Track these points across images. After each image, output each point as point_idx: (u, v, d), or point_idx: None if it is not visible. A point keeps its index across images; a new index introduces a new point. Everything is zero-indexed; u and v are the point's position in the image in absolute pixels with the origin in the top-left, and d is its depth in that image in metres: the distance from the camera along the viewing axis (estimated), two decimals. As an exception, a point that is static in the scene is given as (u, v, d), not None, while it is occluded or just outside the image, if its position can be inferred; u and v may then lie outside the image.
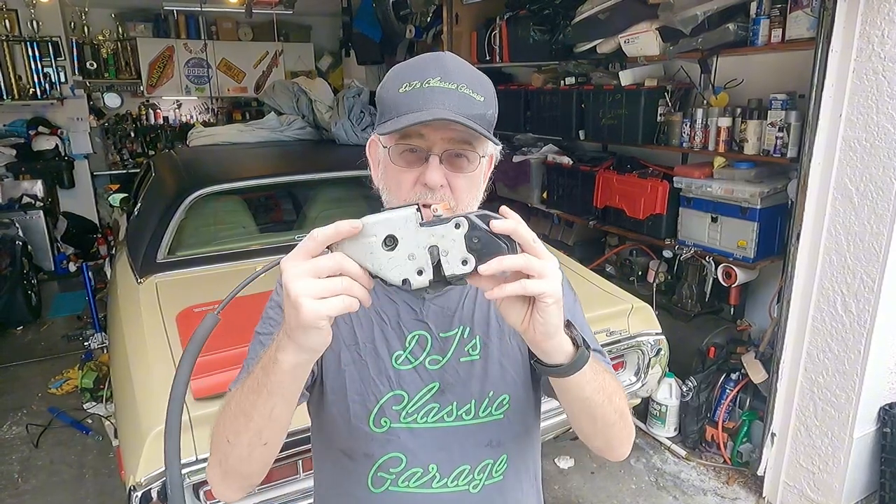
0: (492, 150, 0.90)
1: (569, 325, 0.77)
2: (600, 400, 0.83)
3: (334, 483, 1.00)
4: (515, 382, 0.96)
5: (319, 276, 0.65)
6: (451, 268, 0.67)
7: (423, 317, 0.94)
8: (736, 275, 2.87)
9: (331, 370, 0.94)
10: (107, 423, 3.22)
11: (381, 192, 0.91)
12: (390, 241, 0.66)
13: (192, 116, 7.25)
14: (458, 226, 0.66)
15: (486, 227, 0.66)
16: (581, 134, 3.68)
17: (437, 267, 0.67)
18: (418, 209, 0.67)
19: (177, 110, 7.19)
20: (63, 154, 6.13)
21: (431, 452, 0.93)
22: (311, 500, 1.08)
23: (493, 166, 0.94)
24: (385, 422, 0.92)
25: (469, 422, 0.93)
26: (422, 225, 0.66)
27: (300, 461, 1.76)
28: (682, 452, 3.01)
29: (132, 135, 7.01)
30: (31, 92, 5.89)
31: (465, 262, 0.66)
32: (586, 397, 0.82)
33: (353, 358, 0.93)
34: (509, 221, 0.66)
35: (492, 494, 0.96)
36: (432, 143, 0.83)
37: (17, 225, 5.02)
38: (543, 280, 0.67)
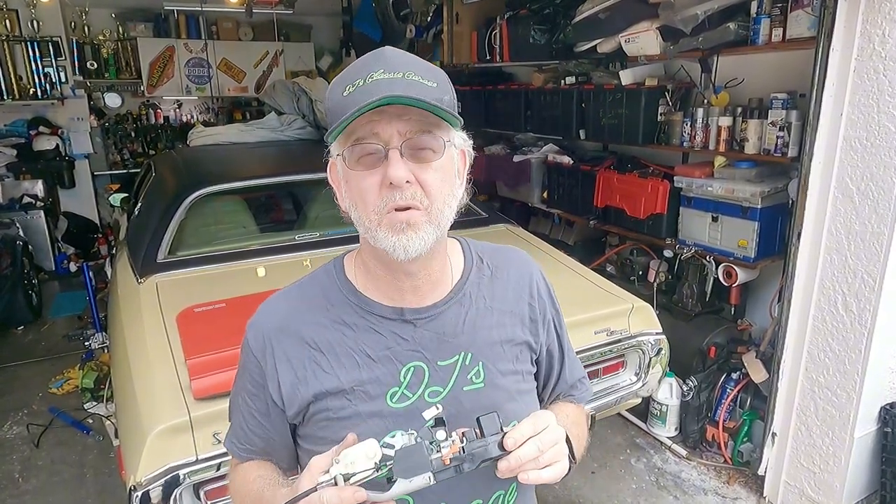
0: (461, 143, 0.83)
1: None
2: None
3: None
4: (522, 409, 0.90)
5: None
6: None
7: (417, 346, 0.86)
8: (736, 274, 2.87)
9: (318, 418, 0.87)
10: (107, 422, 3.22)
11: (350, 213, 0.83)
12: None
13: (192, 116, 7.26)
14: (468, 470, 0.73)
15: (493, 463, 0.74)
16: (581, 133, 3.68)
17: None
18: (431, 475, 0.71)
19: (177, 110, 7.20)
20: (63, 154, 6.12)
21: (441, 492, 0.83)
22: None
23: (468, 163, 0.87)
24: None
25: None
26: (435, 483, 0.71)
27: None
28: (683, 452, 3.00)
29: (133, 135, 7.01)
30: (31, 92, 5.89)
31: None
32: None
33: (341, 405, 0.85)
34: (513, 462, 0.73)
35: None
36: (389, 138, 0.75)
37: (17, 225, 5.03)
38: (560, 465, 0.78)
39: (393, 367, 0.86)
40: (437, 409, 0.74)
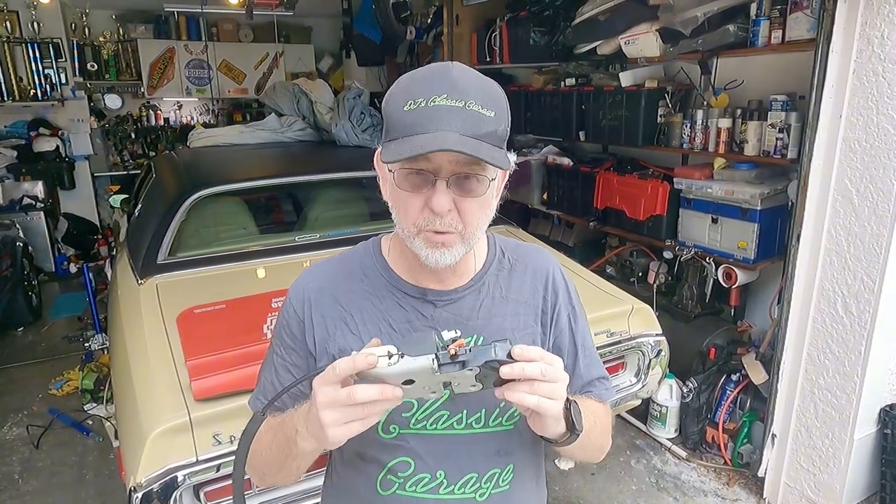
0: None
1: (568, 409, 0.81)
2: (579, 453, 0.92)
3: (344, 482, 1.01)
4: None
5: (346, 405, 0.73)
6: (461, 389, 0.76)
7: (435, 324, 0.93)
8: (736, 276, 2.87)
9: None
10: (107, 424, 3.22)
11: (390, 210, 0.89)
12: (408, 382, 0.74)
13: (192, 118, 7.26)
14: (470, 370, 0.73)
15: (496, 370, 0.74)
16: (581, 135, 3.68)
17: (448, 384, 0.75)
18: (435, 358, 0.71)
19: (177, 111, 7.20)
20: (64, 155, 6.13)
21: (440, 459, 0.93)
22: (314, 501, 1.08)
23: (506, 178, 0.92)
24: (394, 428, 0.92)
25: (479, 430, 0.94)
26: (438, 371, 0.72)
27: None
28: (683, 454, 3.00)
29: (133, 136, 7.02)
30: (31, 93, 5.90)
31: (473, 386, 0.76)
32: (569, 451, 0.91)
33: (367, 344, 0.92)
34: (516, 368, 0.73)
35: (497, 503, 0.97)
36: (439, 167, 0.80)
37: (17, 226, 5.03)
38: (552, 402, 0.77)
39: None
40: (456, 332, 0.76)
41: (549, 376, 0.75)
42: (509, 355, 0.74)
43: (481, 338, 0.94)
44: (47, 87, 5.95)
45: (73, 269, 5.65)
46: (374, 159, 0.92)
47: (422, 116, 0.78)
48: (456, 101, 0.78)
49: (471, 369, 0.72)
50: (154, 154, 6.60)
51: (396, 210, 0.87)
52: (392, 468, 0.93)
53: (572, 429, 0.83)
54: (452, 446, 0.93)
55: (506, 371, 0.73)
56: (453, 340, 0.74)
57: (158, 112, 7.10)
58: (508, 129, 0.85)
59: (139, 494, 1.51)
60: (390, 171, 0.84)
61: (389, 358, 0.71)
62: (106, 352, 3.78)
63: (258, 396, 1.01)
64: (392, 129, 0.81)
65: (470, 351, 0.72)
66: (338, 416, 0.73)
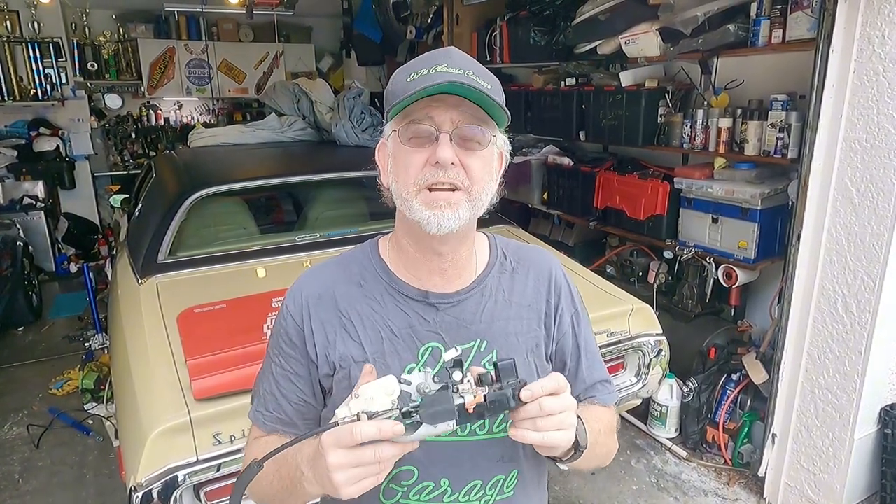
0: (502, 144, 0.90)
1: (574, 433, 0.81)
2: (585, 464, 0.92)
3: None
4: None
5: (359, 466, 0.71)
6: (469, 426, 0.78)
7: (437, 328, 0.92)
8: (736, 275, 2.87)
9: (342, 386, 0.92)
10: (107, 423, 3.22)
11: (391, 188, 0.89)
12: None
13: (192, 117, 7.26)
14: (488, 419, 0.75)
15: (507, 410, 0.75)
16: (582, 135, 3.68)
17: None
18: (456, 422, 0.71)
19: (177, 111, 7.21)
20: (64, 155, 6.14)
21: (443, 467, 0.92)
22: (313, 501, 1.08)
23: (504, 165, 0.93)
24: None
25: (482, 437, 0.93)
26: (458, 428, 0.73)
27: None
28: (683, 453, 3.00)
29: (133, 136, 7.03)
30: (32, 93, 5.90)
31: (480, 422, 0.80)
32: (575, 465, 0.91)
33: (362, 374, 0.91)
34: (531, 411, 0.75)
35: None
36: (442, 123, 0.83)
37: (18, 226, 5.03)
38: (560, 434, 0.78)
39: (413, 345, 0.92)
40: (457, 351, 0.76)
41: (557, 409, 0.76)
42: (517, 396, 0.74)
43: (484, 342, 0.94)
44: (47, 86, 5.95)
45: (73, 268, 5.65)
46: (376, 151, 0.93)
47: (424, 81, 0.81)
48: (456, 69, 0.82)
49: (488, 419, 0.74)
50: (154, 154, 6.60)
51: (396, 175, 0.87)
52: (395, 476, 0.91)
53: (576, 447, 0.84)
54: (456, 454, 0.92)
55: (520, 416, 0.75)
56: (457, 363, 0.74)
57: (158, 112, 7.10)
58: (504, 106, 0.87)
59: (139, 494, 1.51)
60: (393, 130, 0.86)
61: (399, 409, 0.71)
62: (106, 351, 3.78)
63: (259, 409, 0.98)
64: (395, 99, 0.83)
65: (486, 399, 0.72)
66: (351, 475, 0.72)
